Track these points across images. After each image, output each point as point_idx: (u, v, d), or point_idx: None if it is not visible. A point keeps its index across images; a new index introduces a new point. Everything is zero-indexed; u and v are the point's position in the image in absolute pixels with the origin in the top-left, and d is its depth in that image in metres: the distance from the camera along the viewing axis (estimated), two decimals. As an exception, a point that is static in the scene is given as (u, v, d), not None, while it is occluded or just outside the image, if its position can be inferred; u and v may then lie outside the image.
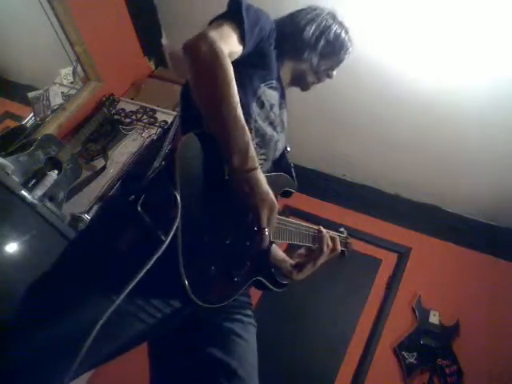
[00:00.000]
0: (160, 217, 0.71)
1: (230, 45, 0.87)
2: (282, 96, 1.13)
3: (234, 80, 0.81)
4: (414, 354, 2.26)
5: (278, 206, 0.82)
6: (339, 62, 1.22)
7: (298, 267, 1.10)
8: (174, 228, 0.69)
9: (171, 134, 0.90)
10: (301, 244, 1.11)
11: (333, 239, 1.13)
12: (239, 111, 0.80)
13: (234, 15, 0.91)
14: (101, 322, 0.65)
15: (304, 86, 1.23)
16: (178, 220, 0.69)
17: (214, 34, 0.83)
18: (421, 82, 2.18)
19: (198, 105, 0.83)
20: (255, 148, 0.94)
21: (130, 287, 0.66)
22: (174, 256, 0.70)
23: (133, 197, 0.73)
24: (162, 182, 0.75)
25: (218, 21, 0.93)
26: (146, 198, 0.73)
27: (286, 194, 1.09)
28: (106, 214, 0.96)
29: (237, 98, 0.80)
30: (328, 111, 2.57)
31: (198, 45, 0.82)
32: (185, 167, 0.74)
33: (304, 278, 1.11)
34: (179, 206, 0.70)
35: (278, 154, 1.11)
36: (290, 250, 1.17)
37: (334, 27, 1.16)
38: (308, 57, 1.15)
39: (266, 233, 0.80)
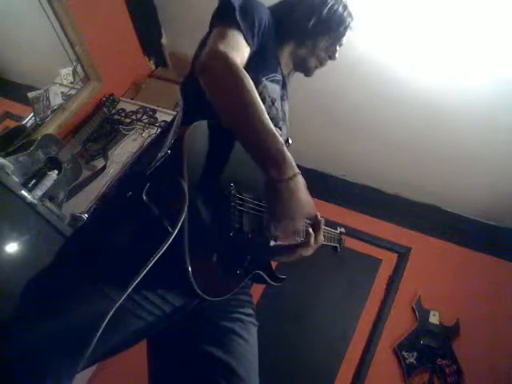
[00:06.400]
0: (166, 207, 0.69)
1: (239, 52, 0.87)
2: (284, 86, 1.11)
3: (255, 90, 0.80)
4: (414, 354, 2.26)
5: (316, 212, 0.84)
6: (338, 39, 1.17)
7: (275, 251, 1.09)
8: (182, 219, 0.66)
9: (173, 129, 0.88)
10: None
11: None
12: (267, 121, 0.78)
13: (230, 18, 0.91)
14: (106, 319, 0.64)
15: (306, 71, 1.20)
16: (185, 211, 0.67)
17: (223, 48, 0.83)
18: (421, 83, 2.18)
19: (224, 123, 0.81)
20: None
21: (137, 281, 0.64)
22: (180, 248, 0.68)
23: (130, 193, 0.72)
24: (168, 171, 0.72)
25: (217, 27, 0.93)
26: (151, 186, 0.70)
27: None
28: (109, 207, 0.95)
29: (262, 107, 0.79)
30: (328, 111, 2.57)
31: (213, 64, 0.81)
32: (192, 156, 0.73)
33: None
34: (186, 196, 0.67)
35: None
36: None
37: (329, 3, 1.12)
38: (301, 38, 1.12)
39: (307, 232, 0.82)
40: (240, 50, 0.88)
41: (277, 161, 0.76)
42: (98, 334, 0.64)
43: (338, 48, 1.18)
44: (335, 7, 1.12)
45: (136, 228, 0.76)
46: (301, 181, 0.79)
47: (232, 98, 0.80)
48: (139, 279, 0.64)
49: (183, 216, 0.67)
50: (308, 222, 1.13)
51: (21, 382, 0.73)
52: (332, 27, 1.13)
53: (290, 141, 1.15)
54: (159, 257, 0.65)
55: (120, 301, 0.65)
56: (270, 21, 1.01)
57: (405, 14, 1.99)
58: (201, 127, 0.77)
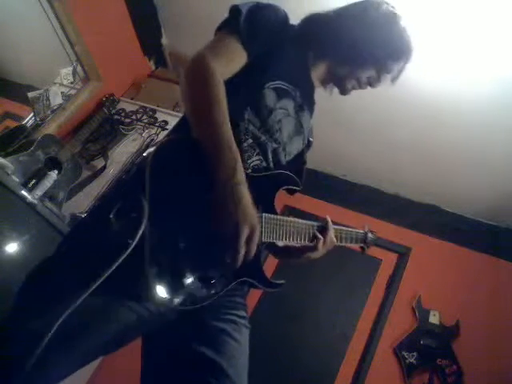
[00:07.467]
0: (129, 223, 0.74)
1: (228, 60, 0.89)
2: (306, 95, 1.08)
3: (222, 100, 0.82)
4: (414, 353, 2.26)
5: (259, 228, 0.80)
6: (386, 71, 1.10)
7: (285, 253, 1.10)
8: (140, 232, 0.71)
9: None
10: (299, 242, 1.09)
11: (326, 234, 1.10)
12: (224, 129, 0.80)
13: (234, 25, 0.92)
14: (64, 316, 0.69)
15: (342, 89, 1.14)
16: (143, 224, 0.72)
17: (207, 53, 0.86)
18: (421, 83, 2.18)
19: (187, 118, 0.85)
20: (248, 148, 0.94)
21: (92, 289, 0.70)
22: (142, 260, 0.73)
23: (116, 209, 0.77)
24: (132, 189, 0.78)
25: (219, 32, 0.95)
26: (120, 204, 0.78)
27: (291, 192, 1.07)
28: (101, 209, 0.98)
29: (224, 116, 0.81)
30: (328, 111, 2.57)
31: (192, 66, 0.85)
32: (158, 172, 0.76)
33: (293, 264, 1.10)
34: (146, 212, 0.73)
35: (286, 157, 1.07)
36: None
37: (396, 34, 1.06)
38: (346, 59, 1.06)
39: (242, 252, 0.79)
40: (230, 58, 0.89)
41: (228, 164, 0.78)
42: (56, 327, 0.68)
43: (382, 78, 1.11)
44: (405, 39, 1.08)
45: (104, 239, 0.80)
46: (246, 191, 0.79)
47: (196, 105, 0.84)
48: (95, 286, 0.71)
49: (141, 229, 0.72)
50: (317, 225, 1.13)
51: (21, 380, 0.73)
52: (385, 60, 1.07)
53: (311, 138, 1.17)
54: (126, 268, 0.71)
55: (77, 303, 0.70)
56: (285, 27, 1.00)
57: (406, 14, 1.98)
58: (171, 143, 0.81)
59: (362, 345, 2.35)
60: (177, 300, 0.78)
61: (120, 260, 0.71)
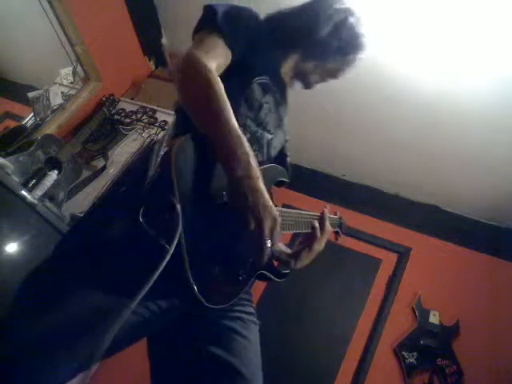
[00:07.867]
0: (162, 226, 0.71)
1: (216, 57, 0.88)
2: (281, 91, 1.11)
3: (223, 95, 0.80)
4: (414, 353, 2.26)
5: (279, 218, 0.79)
6: (347, 64, 1.17)
7: (295, 256, 1.08)
8: (177, 237, 0.69)
9: (165, 139, 0.90)
10: (300, 232, 1.10)
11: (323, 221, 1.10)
12: (233, 124, 0.78)
13: (212, 25, 0.93)
14: (117, 326, 0.65)
15: (306, 84, 1.20)
16: (179, 228, 0.69)
17: (197, 52, 0.85)
18: (421, 82, 2.18)
19: (194, 122, 0.82)
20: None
21: (138, 299, 0.66)
22: (179, 262, 0.71)
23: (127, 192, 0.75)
24: (159, 191, 0.74)
25: (199, 33, 0.96)
26: (146, 207, 0.73)
27: (279, 184, 1.08)
28: (107, 210, 0.94)
29: (229, 111, 0.79)
30: (328, 111, 2.57)
31: (185, 67, 0.84)
32: (181, 172, 0.74)
33: (304, 265, 1.08)
34: (179, 214, 0.70)
35: (273, 151, 1.10)
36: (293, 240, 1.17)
37: (352, 28, 1.11)
38: (309, 54, 1.12)
39: (269, 244, 0.77)
40: (217, 55, 0.89)
41: (241, 160, 0.76)
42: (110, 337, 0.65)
43: (343, 71, 1.17)
44: (356, 32, 1.12)
45: (135, 246, 0.77)
46: (262, 185, 0.77)
47: (198, 102, 0.81)
48: (141, 296, 0.66)
49: (178, 233, 0.69)
50: (315, 214, 1.14)
51: (21, 380, 0.73)
52: (348, 51, 1.13)
53: (288, 137, 1.17)
54: (161, 272, 0.66)
55: (127, 314, 0.67)
56: (259, 25, 1.02)
57: (405, 14, 1.98)
58: (189, 140, 0.78)
59: (362, 345, 2.35)
60: (209, 299, 0.78)
61: (164, 263, 0.67)
